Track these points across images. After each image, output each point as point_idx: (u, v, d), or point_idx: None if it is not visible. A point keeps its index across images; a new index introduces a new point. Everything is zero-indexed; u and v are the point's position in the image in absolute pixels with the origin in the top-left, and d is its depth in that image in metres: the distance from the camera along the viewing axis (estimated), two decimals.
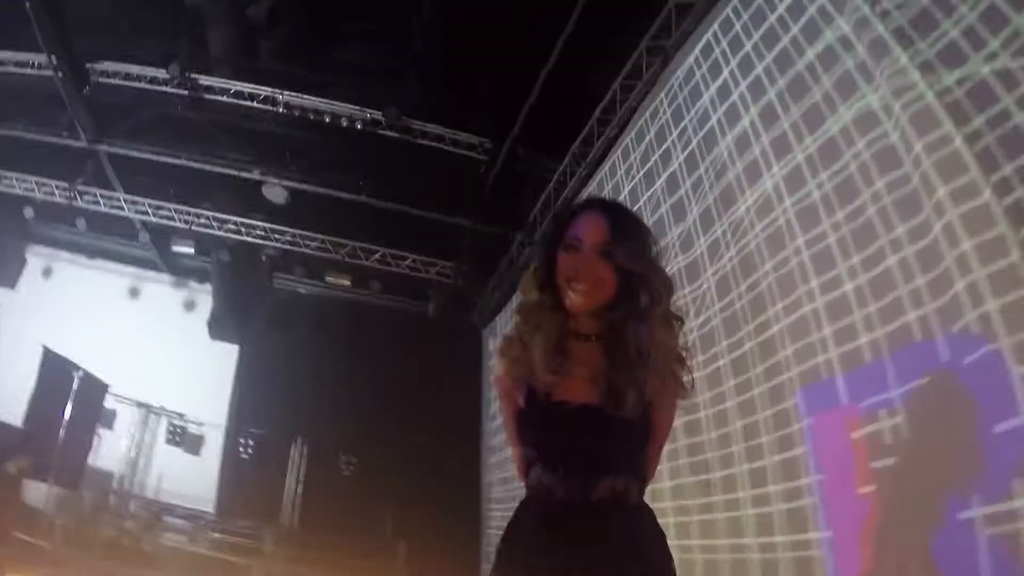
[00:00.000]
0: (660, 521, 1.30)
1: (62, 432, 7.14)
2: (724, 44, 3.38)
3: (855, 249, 2.22)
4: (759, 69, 3.01)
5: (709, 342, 3.26)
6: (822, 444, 2.29)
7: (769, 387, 2.72)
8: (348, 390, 8.18)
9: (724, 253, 3.25)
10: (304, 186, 6.92)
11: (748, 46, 3.13)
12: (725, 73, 3.33)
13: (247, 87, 6.24)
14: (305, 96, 6.25)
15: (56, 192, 7.31)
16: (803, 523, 2.50)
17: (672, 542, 1.30)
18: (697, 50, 3.70)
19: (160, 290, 9.21)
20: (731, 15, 3.35)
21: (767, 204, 2.83)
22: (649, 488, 1.33)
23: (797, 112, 2.68)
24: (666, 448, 1.39)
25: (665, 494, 3.37)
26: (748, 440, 2.88)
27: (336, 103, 6.28)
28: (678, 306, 1.34)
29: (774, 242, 2.75)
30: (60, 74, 5.91)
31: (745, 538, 2.81)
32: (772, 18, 2.93)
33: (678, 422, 1.41)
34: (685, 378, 1.32)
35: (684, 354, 1.32)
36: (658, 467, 1.38)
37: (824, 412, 2.31)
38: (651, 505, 1.32)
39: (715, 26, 3.52)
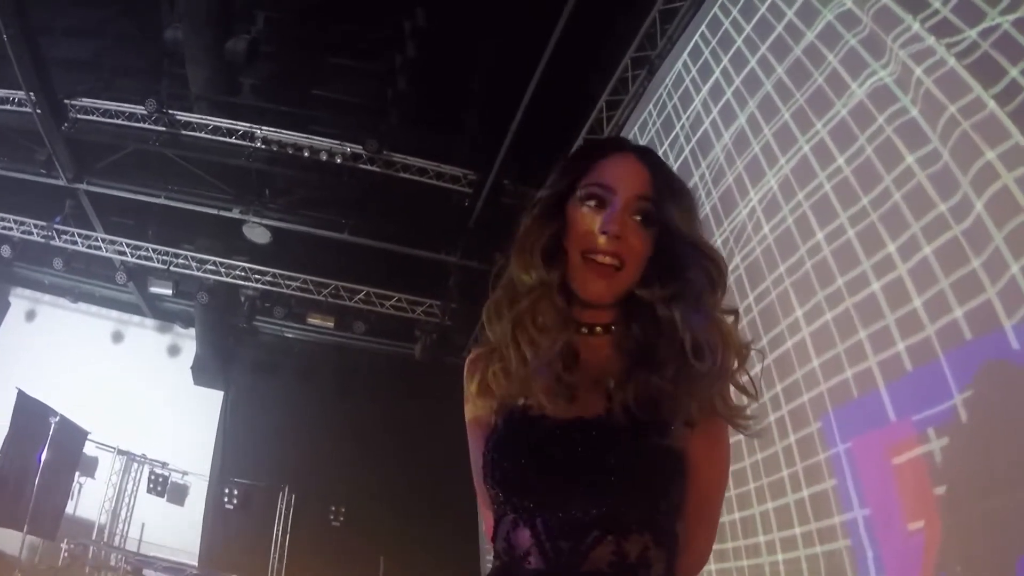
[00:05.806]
0: None
1: (37, 479, 6.72)
2: (713, 43, 3.18)
3: (885, 239, 1.90)
4: (753, 62, 2.79)
5: None
6: (864, 473, 1.91)
7: (789, 411, 2.36)
8: (336, 437, 7.85)
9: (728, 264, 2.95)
10: (285, 224, 6.71)
11: (739, 41, 2.93)
12: (717, 72, 3.12)
13: (225, 123, 6.10)
14: (284, 131, 6.10)
15: (35, 231, 7.10)
16: (838, 570, 2.11)
17: None
18: (685, 54, 3.52)
19: (144, 335, 8.92)
20: (719, 13, 3.17)
21: (773, 203, 2.54)
22: None
23: (800, 99, 2.43)
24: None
25: None
26: (768, 475, 2.50)
27: (315, 138, 6.13)
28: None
29: (784, 244, 2.45)
30: (39, 111, 5.80)
31: None
32: (764, 7, 2.73)
33: None
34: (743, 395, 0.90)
35: (746, 353, 0.90)
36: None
37: (862, 435, 1.95)
38: None
39: (703, 27, 3.35)
